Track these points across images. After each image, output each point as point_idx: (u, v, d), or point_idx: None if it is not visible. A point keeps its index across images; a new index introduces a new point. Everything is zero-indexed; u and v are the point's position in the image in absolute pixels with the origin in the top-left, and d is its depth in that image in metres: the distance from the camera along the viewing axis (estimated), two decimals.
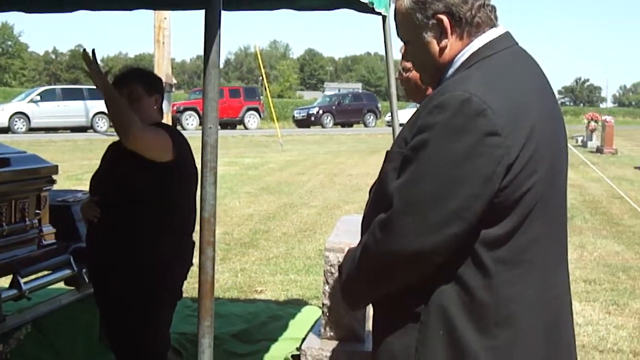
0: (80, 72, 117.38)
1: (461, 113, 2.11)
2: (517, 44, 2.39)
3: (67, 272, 5.41)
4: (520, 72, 2.31)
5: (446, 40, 2.34)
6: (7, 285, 4.95)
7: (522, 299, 2.23)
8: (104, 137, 25.63)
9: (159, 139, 4.16)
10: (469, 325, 2.20)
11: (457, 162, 2.11)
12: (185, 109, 42.34)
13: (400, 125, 3.62)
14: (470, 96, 2.12)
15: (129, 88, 4.38)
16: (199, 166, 3.26)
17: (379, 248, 2.23)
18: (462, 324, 2.20)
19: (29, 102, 38.09)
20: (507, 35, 2.37)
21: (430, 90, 2.51)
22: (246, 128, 44.35)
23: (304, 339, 6.11)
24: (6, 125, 36.77)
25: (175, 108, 39.90)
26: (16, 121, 37.31)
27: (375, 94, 68.68)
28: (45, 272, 5.34)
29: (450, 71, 2.36)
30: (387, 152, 2.38)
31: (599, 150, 30.43)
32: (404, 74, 3.37)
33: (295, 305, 7.82)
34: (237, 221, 13.23)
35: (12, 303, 4.94)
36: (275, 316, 7.29)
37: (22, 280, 4.93)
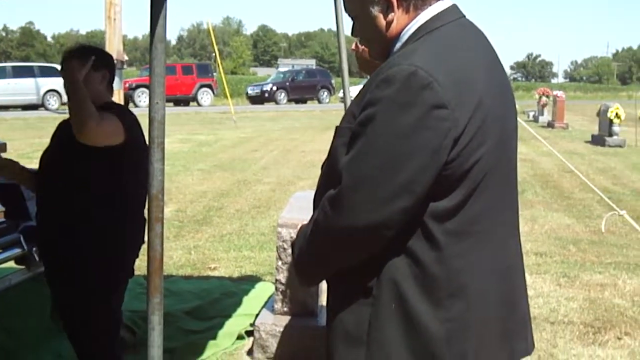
0: (31, 49, 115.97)
1: (407, 86, 2.11)
2: (464, 16, 2.39)
3: (17, 251, 5.35)
4: (467, 45, 2.31)
5: (393, 14, 2.34)
6: None
7: (474, 270, 2.24)
8: (55, 114, 25.31)
9: (110, 130, 4.11)
10: (421, 298, 2.20)
11: (404, 136, 2.10)
12: (137, 86, 41.96)
13: (352, 100, 3.60)
14: (417, 69, 2.12)
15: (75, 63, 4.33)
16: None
17: (330, 224, 2.23)
18: (414, 297, 2.20)
19: None
20: (454, 8, 2.37)
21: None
22: (199, 105, 44.09)
23: (257, 315, 6.14)
24: None
25: (127, 85, 39.57)
26: None
27: (329, 70, 68.68)
28: None
29: (398, 45, 2.35)
30: (337, 127, 2.37)
31: (550, 125, 30.73)
32: (360, 46, 3.34)
33: (249, 281, 7.84)
34: (191, 198, 13.19)
35: None
36: (228, 293, 7.30)
37: None
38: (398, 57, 2.24)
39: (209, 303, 6.94)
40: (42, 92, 37.68)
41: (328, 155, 2.39)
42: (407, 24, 2.34)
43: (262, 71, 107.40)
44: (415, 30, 2.32)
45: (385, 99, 2.14)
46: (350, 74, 6.99)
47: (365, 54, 3.23)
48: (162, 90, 2.71)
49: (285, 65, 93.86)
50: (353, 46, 3.23)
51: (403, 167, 2.11)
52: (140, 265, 4.58)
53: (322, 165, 2.47)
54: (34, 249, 5.30)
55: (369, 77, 2.55)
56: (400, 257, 2.22)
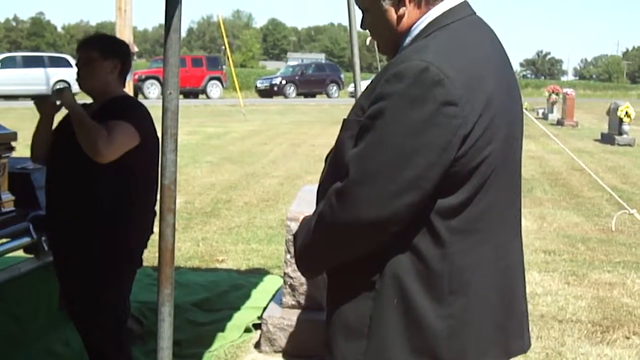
0: (41, 39, 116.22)
1: (419, 82, 2.11)
2: (474, 13, 2.38)
3: (27, 240, 5.35)
4: (477, 42, 2.30)
5: (404, 8, 2.33)
6: None
7: (476, 267, 2.25)
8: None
9: (121, 142, 4.11)
10: (424, 294, 2.20)
11: (413, 132, 2.10)
12: (147, 78, 42.03)
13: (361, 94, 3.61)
14: (428, 65, 2.12)
15: (85, 54, 4.34)
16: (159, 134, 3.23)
17: (335, 217, 2.22)
18: (417, 293, 2.20)
19: None
20: (464, 5, 2.36)
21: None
22: (208, 97, 44.12)
23: (265, 308, 6.14)
24: None
25: (137, 77, 39.63)
26: None
27: (338, 64, 68.64)
28: (4, 240, 5.27)
29: (408, 40, 2.34)
30: (344, 119, 2.36)
31: (559, 122, 30.65)
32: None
33: (257, 274, 7.84)
34: (199, 190, 13.20)
35: None
36: (236, 285, 7.31)
37: None
38: (409, 52, 2.23)
39: (216, 295, 6.95)
40: (51, 82, 37.71)
41: (334, 147, 2.38)
42: (417, 19, 2.33)
43: (271, 65, 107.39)
44: (426, 26, 2.31)
45: (395, 94, 2.13)
46: (360, 69, 6.97)
47: None
48: (176, 81, 2.71)
49: (295, 59, 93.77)
50: (367, 41, 3.22)
51: (411, 163, 2.11)
52: (148, 256, 4.59)
53: (327, 157, 2.46)
54: (43, 238, 5.30)
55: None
56: (404, 252, 2.22)
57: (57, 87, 4.59)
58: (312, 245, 2.35)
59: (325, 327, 2.45)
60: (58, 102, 4.26)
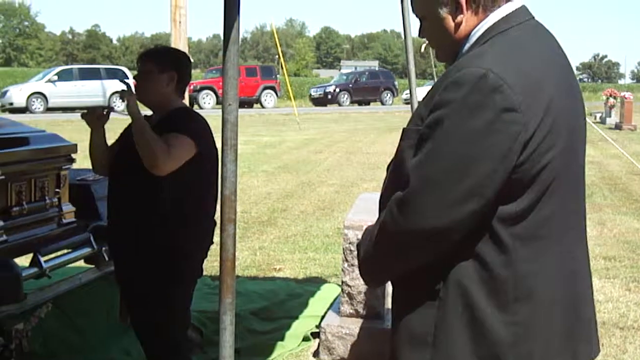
0: (97, 52, 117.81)
1: (477, 89, 2.09)
2: (533, 17, 2.36)
3: (87, 250, 5.43)
4: (536, 47, 2.28)
5: (462, 15, 2.31)
6: (27, 264, 4.97)
7: (541, 274, 2.22)
8: (121, 116, 25.58)
9: (180, 155, 4.15)
10: (488, 302, 2.19)
11: (473, 140, 2.09)
12: (202, 88, 42.36)
13: (419, 102, 3.60)
14: (487, 72, 2.10)
15: (142, 67, 4.38)
16: (219, 144, 3.25)
17: (397, 226, 2.21)
18: (481, 301, 2.19)
19: (46, 82, 38.17)
20: (523, 9, 2.34)
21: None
22: (263, 107, 44.29)
23: (323, 317, 6.15)
24: (24, 105, 36.89)
25: (192, 87, 39.91)
26: (34, 101, 37.40)
27: (392, 71, 68.50)
28: (65, 251, 5.35)
29: (466, 47, 2.33)
30: (404, 129, 2.36)
31: (617, 126, 30.25)
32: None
33: (314, 283, 7.85)
34: (255, 200, 13.26)
35: (32, 281, 4.96)
36: (294, 294, 7.32)
37: (42, 259, 4.95)
38: (467, 59, 2.22)
39: (275, 304, 6.98)
40: (108, 93, 38.17)
41: (394, 156, 2.38)
42: (475, 26, 2.31)
43: (325, 73, 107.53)
44: (484, 32, 2.29)
45: (454, 102, 2.12)
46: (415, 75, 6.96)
47: None
48: (235, 93, 2.73)
49: (348, 67, 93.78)
50: (422, 48, 3.21)
51: (472, 170, 2.10)
52: (206, 265, 4.62)
53: (388, 167, 2.46)
54: (104, 248, 5.37)
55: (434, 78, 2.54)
56: (467, 260, 2.20)
57: (122, 88, 4.64)
58: (374, 254, 2.35)
59: (390, 335, 2.45)
60: (105, 111, 4.34)
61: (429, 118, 2.18)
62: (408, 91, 7.27)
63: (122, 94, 4.24)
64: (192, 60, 5.07)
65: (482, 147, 2.09)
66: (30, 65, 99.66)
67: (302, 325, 6.39)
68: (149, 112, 4.50)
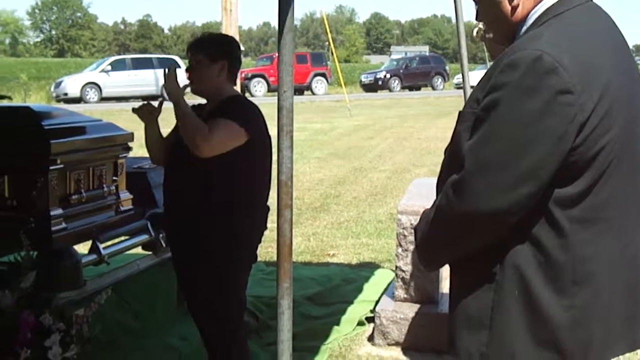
0: (149, 41, 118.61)
1: (532, 72, 2.10)
2: None
3: (145, 237, 5.50)
4: (593, 29, 2.27)
5: None
6: (86, 251, 5.04)
7: (599, 257, 2.22)
8: None
9: (223, 139, 4.17)
10: (545, 285, 2.19)
11: (529, 122, 2.09)
12: (253, 76, 42.40)
13: (471, 87, 3.61)
14: (542, 54, 2.10)
15: (193, 58, 4.41)
16: (273, 131, 3.27)
17: (452, 209, 2.23)
18: (538, 284, 2.19)
19: (100, 72, 38.48)
20: None
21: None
22: (314, 94, 44.21)
23: (377, 302, 6.17)
24: (78, 95, 37.22)
25: (243, 75, 40.00)
26: (88, 91, 37.73)
27: (442, 56, 68.02)
28: (123, 238, 5.43)
29: (523, 29, 2.33)
30: (460, 112, 2.37)
31: None
32: (486, 35, 3.32)
33: (368, 268, 7.87)
34: (308, 186, 13.29)
35: (91, 268, 5.04)
36: (348, 279, 7.35)
37: (101, 246, 5.02)
38: (523, 41, 2.22)
39: (329, 289, 7.01)
40: (160, 83, 38.34)
41: (451, 140, 2.39)
42: (532, 8, 2.32)
43: (375, 59, 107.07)
44: (541, 15, 2.29)
45: (510, 84, 2.12)
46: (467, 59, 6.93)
47: (492, 41, 3.21)
48: (291, 80, 2.75)
49: (398, 53, 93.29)
50: (474, 33, 3.21)
51: (528, 153, 2.10)
52: (260, 251, 4.66)
53: (445, 151, 2.47)
54: (161, 235, 5.43)
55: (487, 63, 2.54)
56: (524, 243, 2.21)
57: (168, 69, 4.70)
58: (431, 238, 2.37)
59: (448, 318, 2.47)
60: (158, 104, 4.40)
61: (484, 101, 2.19)
62: (459, 76, 7.24)
63: (168, 75, 4.29)
64: (242, 47, 5.10)
65: (538, 129, 2.09)
66: (84, 56, 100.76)
67: (357, 310, 6.42)
68: (203, 102, 4.55)
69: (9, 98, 5.61)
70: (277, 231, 2.90)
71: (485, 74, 2.30)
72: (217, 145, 4.13)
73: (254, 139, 4.26)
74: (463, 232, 2.25)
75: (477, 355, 2.30)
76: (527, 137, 2.10)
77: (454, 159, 2.30)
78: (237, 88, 5.07)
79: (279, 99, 2.80)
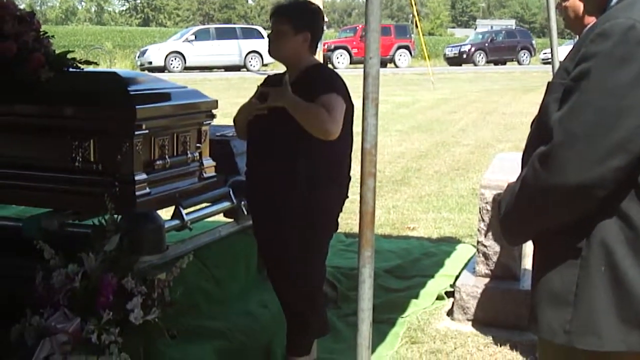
0: (232, 12, 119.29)
1: (625, 41, 2.05)
2: None
3: (227, 204, 5.53)
4: None
5: None
6: (169, 217, 5.10)
7: None
8: (257, 75, 25.94)
9: (341, 110, 4.20)
10: (633, 262, 2.15)
11: (620, 92, 2.05)
12: (336, 48, 42.40)
13: (560, 62, 3.53)
14: (634, 23, 2.05)
15: (277, 26, 4.38)
16: (359, 99, 3.25)
17: (539, 182, 2.19)
18: (626, 261, 2.15)
19: (184, 41, 38.89)
20: None
21: (588, 19, 2.44)
22: (397, 66, 43.99)
23: (457, 276, 6.13)
24: (162, 64, 37.69)
25: (325, 47, 40.02)
26: (172, 60, 38.16)
27: (529, 30, 67.00)
28: (206, 204, 5.47)
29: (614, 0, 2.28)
30: (549, 82, 2.33)
31: None
32: (563, 3, 3.25)
33: (449, 243, 7.82)
34: (389, 159, 13.25)
35: (174, 233, 5.09)
36: (428, 253, 7.31)
37: (184, 212, 5.07)
38: (615, 10, 2.17)
39: (409, 262, 6.99)
40: (243, 53, 38.66)
41: (539, 111, 2.35)
42: None
43: (459, 32, 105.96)
44: None
45: (601, 54, 2.08)
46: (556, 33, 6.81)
47: (568, 10, 3.13)
48: (377, 47, 2.72)
49: (484, 26, 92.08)
50: (556, 4, 3.13)
51: (618, 124, 2.05)
52: (341, 222, 4.65)
53: (532, 123, 2.43)
54: (243, 202, 5.46)
55: (573, 32, 2.48)
56: (612, 218, 2.16)
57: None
58: (515, 211, 2.33)
59: (530, 294, 2.43)
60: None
61: (574, 71, 2.15)
62: (546, 51, 7.10)
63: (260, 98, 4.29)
64: (326, 19, 5.06)
65: (630, 100, 2.04)
66: (168, 25, 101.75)
67: (437, 284, 6.39)
68: (282, 69, 4.54)
69: (96, 64, 5.67)
70: (359, 199, 2.88)
71: (576, 43, 2.26)
72: (340, 122, 4.16)
73: (348, 107, 4.26)
74: (549, 206, 2.21)
75: (561, 332, 2.26)
76: (617, 108, 2.05)
77: (541, 130, 2.26)
78: (320, 60, 5.04)
79: (365, 66, 2.77)
